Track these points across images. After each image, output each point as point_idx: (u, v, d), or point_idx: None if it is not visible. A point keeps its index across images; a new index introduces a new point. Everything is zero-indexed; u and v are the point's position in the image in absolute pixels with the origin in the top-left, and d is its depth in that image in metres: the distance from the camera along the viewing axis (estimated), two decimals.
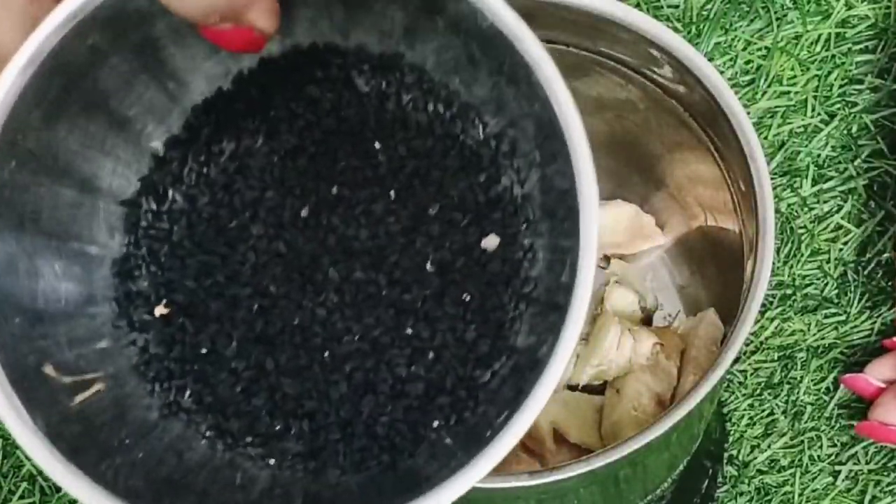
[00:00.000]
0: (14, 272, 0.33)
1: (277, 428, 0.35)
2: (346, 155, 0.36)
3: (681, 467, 0.50)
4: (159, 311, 0.36)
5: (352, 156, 0.36)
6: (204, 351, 0.36)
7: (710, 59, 0.59)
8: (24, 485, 0.59)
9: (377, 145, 0.36)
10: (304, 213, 0.36)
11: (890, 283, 0.60)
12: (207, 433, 0.36)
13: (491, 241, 0.36)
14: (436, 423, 0.35)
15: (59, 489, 0.59)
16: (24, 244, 0.33)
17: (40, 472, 0.59)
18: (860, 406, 0.59)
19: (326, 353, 0.35)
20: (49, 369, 0.33)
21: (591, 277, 0.31)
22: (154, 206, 0.37)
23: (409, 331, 0.35)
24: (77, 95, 0.34)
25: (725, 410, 0.60)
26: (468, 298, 0.35)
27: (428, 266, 0.36)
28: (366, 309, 0.35)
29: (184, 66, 0.36)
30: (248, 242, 0.36)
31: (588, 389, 0.53)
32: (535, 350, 0.33)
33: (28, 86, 0.31)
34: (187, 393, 0.36)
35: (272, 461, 0.35)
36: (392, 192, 0.36)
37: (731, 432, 0.59)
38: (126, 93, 0.35)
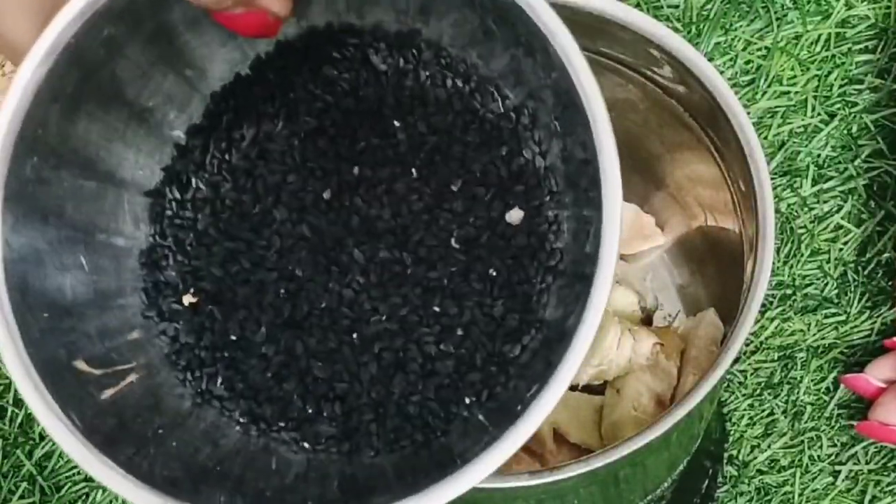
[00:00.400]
0: (40, 267, 0.33)
1: (310, 411, 0.35)
2: (366, 134, 0.36)
3: (681, 467, 0.50)
4: (188, 299, 0.37)
5: (372, 135, 0.36)
6: (233, 338, 0.36)
7: (710, 59, 0.59)
8: (24, 485, 0.59)
9: (397, 123, 0.36)
10: (326, 195, 0.36)
11: (890, 283, 0.60)
12: (241, 419, 0.36)
13: (515, 215, 0.35)
14: (468, 400, 0.35)
15: (59, 489, 0.59)
16: (48, 238, 0.33)
17: (40, 472, 0.59)
18: (860, 406, 0.59)
19: (355, 335, 0.35)
20: (80, 364, 0.33)
21: (616, 244, 0.30)
22: (178, 195, 0.37)
23: (437, 308, 0.35)
24: (95, 88, 0.34)
25: (725, 410, 0.60)
26: (495, 273, 0.35)
27: (453, 242, 0.35)
28: (392, 288, 0.35)
29: (200, 53, 0.36)
30: (273, 227, 0.36)
31: (588, 389, 0.53)
32: (563, 321, 0.33)
33: (45, 80, 0.31)
34: (219, 380, 0.36)
35: (306, 444, 0.35)
36: (414, 170, 0.36)
37: (731, 432, 0.59)
38: (144, 83, 0.35)
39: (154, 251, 0.37)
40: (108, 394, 0.34)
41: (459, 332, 0.35)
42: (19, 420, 0.60)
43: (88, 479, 0.59)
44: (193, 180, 0.37)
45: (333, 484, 0.34)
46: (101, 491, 0.59)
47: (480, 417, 0.34)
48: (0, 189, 0.32)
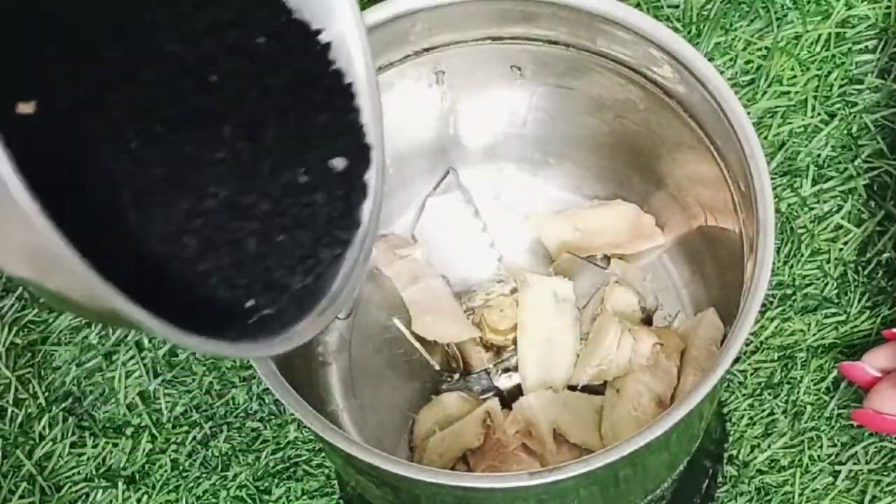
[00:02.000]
0: None
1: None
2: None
3: (681, 467, 0.50)
4: None
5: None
6: None
7: (710, 59, 0.59)
8: (24, 485, 0.59)
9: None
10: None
11: (890, 283, 0.60)
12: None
13: (339, 163, 0.39)
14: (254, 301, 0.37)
15: (59, 489, 0.59)
16: None
17: (40, 472, 0.59)
18: (860, 406, 0.59)
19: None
20: None
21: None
22: None
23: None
24: None
25: (725, 410, 0.60)
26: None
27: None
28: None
29: None
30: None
31: (588, 389, 0.53)
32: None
33: None
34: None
35: None
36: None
37: (731, 432, 0.59)
38: None
39: None
40: None
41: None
42: (19, 420, 0.60)
43: (88, 479, 0.59)
44: None
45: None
46: (101, 491, 0.59)
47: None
48: None
